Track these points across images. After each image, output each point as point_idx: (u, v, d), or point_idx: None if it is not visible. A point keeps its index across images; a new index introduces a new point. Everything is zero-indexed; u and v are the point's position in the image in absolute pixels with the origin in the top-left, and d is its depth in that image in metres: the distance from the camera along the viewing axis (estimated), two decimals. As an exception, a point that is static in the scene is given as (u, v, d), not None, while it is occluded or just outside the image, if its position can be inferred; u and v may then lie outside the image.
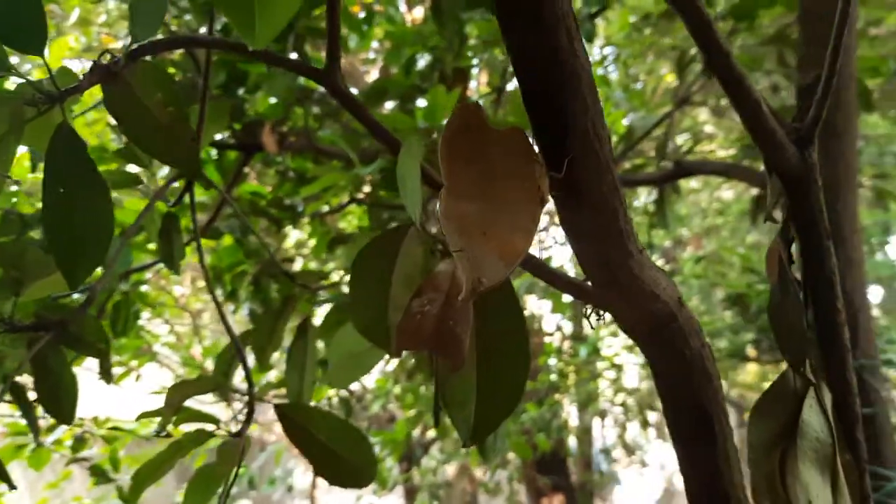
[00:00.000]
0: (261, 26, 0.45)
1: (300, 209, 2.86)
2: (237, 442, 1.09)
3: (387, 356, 1.17)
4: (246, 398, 1.08)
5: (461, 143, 0.49)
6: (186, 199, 1.15)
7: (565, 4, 0.46)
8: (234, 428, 1.07)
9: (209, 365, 5.17)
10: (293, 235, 3.72)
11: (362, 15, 2.78)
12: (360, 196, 2.79)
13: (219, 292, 2.96)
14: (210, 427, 1.08)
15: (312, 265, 3.27)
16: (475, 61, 2.92)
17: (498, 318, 0.66)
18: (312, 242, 3.39)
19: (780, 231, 0.54)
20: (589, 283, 0.66)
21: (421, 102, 2.86)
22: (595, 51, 3.87)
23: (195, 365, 5.05)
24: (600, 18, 2.91)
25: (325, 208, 2.97)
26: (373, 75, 6.42)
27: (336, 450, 1.09)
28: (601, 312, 0.64)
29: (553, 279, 0.65)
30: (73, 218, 0.72)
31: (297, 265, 3.32)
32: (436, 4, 2.34)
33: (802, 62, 1.96)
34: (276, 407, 1.07)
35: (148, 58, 0.72)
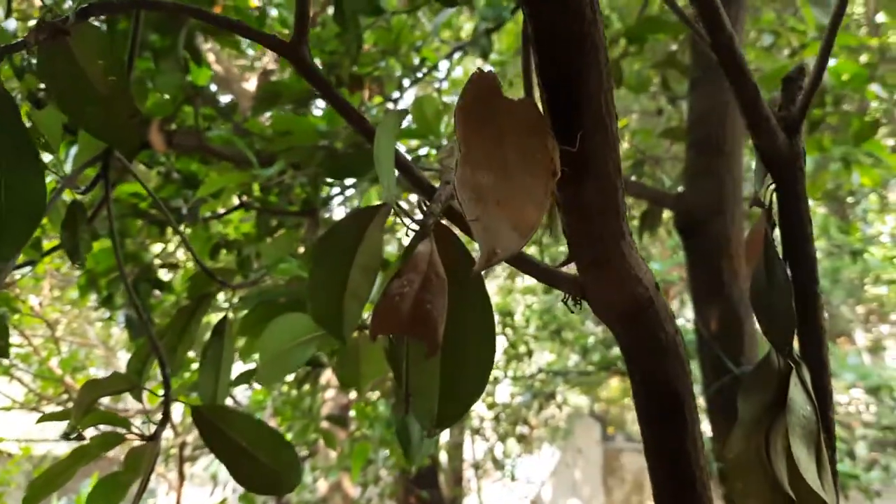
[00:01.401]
0: None
1: (184, 212, 2.74)
2: (149, 447, 1.02)
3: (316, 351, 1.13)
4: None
5: (476, 113, 0.48)
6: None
7: (590, -25, 0.46)
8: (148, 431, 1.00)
9: (69, 380, 4.85)
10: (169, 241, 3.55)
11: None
12: (248, 200, 2.71)
13: (93, 297, 2.79)
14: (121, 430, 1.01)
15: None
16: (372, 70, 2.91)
17: (466, 306, 0.64)
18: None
19: (765, 215, 0.56)
20: (562, 270, 0.66)
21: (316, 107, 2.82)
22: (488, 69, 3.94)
23: (53, 378, 4.72)
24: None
25: (208, 213, 2.86)
26: (251, 82, 6.27)
27: (255, 454, 1.04)
28: (578, 298, 0.64)
29: (527, 266, 0.65)
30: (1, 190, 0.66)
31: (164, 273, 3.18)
32: (338, 7, 2.31)
33: (694, 84, 2.08)
34: (192, 408, 1.01)
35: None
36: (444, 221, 0.61)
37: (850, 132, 2.77)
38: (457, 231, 0.70)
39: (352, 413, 4.84)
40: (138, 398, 1.02)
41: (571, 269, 0.67)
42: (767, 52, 3.71)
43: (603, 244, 0.56)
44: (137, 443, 1.01)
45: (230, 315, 1.16)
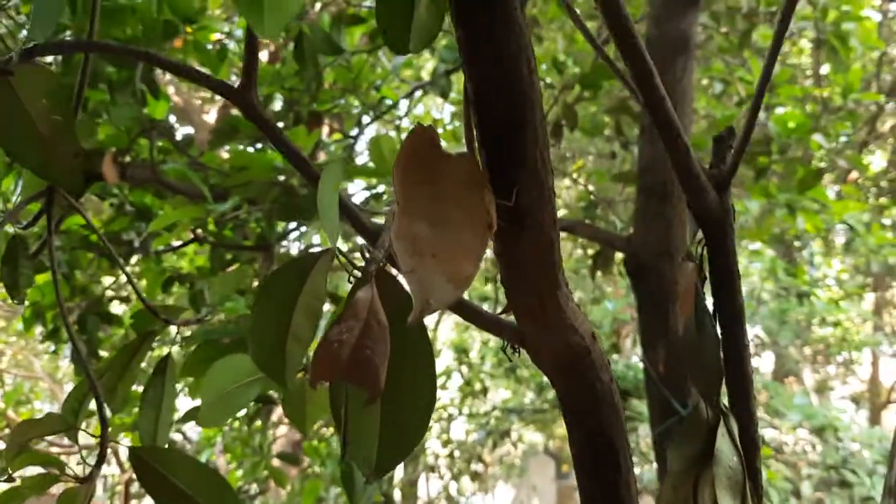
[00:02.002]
0: (269, 16, 0.43)
1: (136, 244, 2.70)
2: (83, 488, 1.00)
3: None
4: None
5: (415, 165, 0.49)
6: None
7: (526, 37, 0.47)
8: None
9: (12, 413, 4.70)
10: (123, 275, 3.49)
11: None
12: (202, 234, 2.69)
13: (38, 330, 2.73)
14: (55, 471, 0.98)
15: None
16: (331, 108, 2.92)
17: (407, 353, 0.65)
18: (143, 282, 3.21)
19: (696, 269, 0.58)
20: (504, 318, 0.67)
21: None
22: (449, 108, 4.00)
23: (-6, 412, 4.57)
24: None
25: (160, 247, 2.83)
26: (211, 114, 6.24)
27: (195, 498, 1.02)
28: (517, 347, 0.65)
29: (471, 314, 0.66)
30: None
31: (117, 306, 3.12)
32: (298, 46, 2.33)
33: (644, 130, 2.13)
34: (131, 450, 0.99)
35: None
36: (387, 268, 0.62)
37: (795, 180, 2.85)
38: (400, 278, 0.71)
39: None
40: (74, 439, 1.00)
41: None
42: (718, 99, 3.83)
43: (538, 295, 0.57)
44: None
45: (174, 353, 1.14)
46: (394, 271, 0.72)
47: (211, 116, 6.04)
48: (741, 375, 0.57)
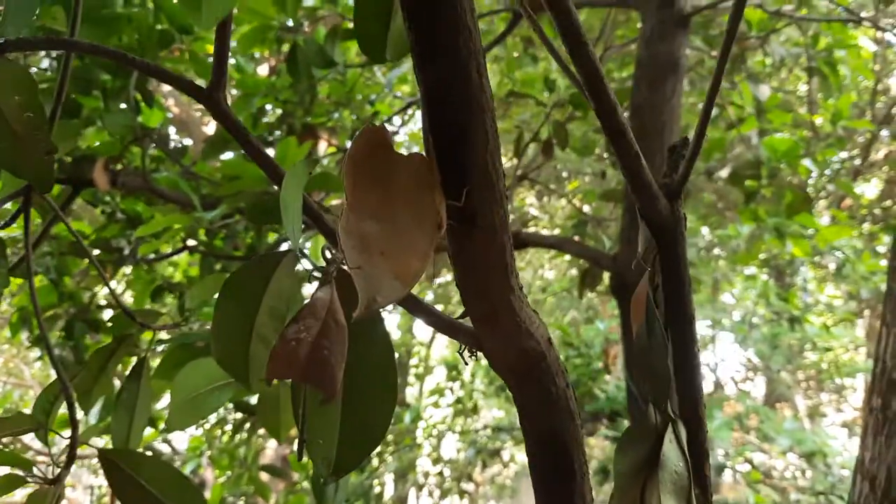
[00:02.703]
0: (207, 7, 0.44)
1: (126, 252, 2.71)
2: (51, 490, 0.99)
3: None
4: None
5: (365, 164, 0.50)
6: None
7: (477, 42, 0.48)
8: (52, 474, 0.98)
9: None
10: (113, 281, 3.50)
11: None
12: (193, 243, 2.70)
13: (24, 336, 2.73)
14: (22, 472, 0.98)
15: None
16: (325, 122, 2.94)
17: (367, 352, 0.65)
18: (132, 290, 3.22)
19: (648, 277, 0.59)
20: (462, 322, 0.68)
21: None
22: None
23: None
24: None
25: (151, 255, 2.84)
26: (210, 126, 6.27)
27: (164, 502, 1.02)
28: (474, 351, 0.66)
29: (428, 316, 0.67)
30: None
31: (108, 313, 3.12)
32: (292, 59, 2.35)
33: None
34: (100, 452, 0.99)
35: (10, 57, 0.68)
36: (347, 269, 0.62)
37: (784, 205, 2.87)
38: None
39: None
40: (43, 439, 1.00)
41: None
42: (711, 123, 3.84)
43: (491, 299, 0.57)
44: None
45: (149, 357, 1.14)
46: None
47: (210, 129, 6.06)
48: (691, 383, 0.58)
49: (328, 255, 0.66)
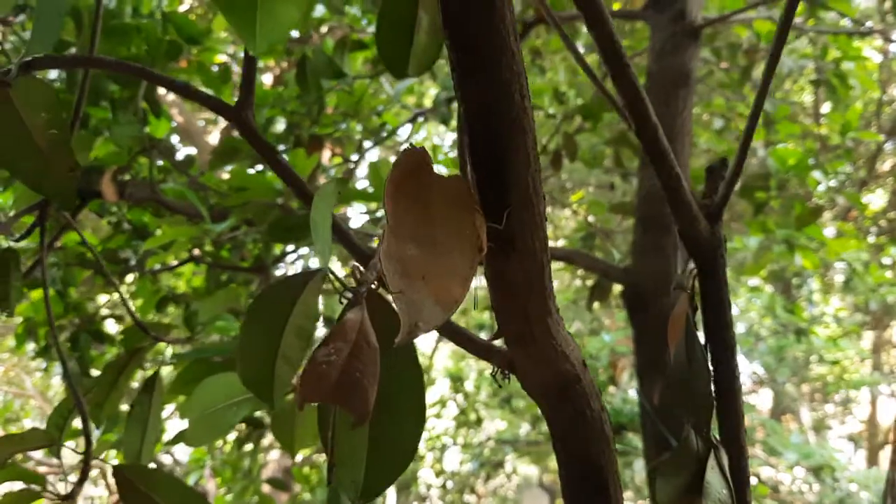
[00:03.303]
0: (261, 32, 0.43)
1: (132, 263, 2.70)
2: (66, 507, 0.98)
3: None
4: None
5: (406, 186, 0.49)
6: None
7: (519, 64, 0.47)
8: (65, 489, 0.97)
9: (0, 431, 4.66)
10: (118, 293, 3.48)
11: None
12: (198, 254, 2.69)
13: (31, 347, 2.71)
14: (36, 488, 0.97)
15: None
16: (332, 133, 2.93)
17: (396, 373, 0.64)
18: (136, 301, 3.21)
19: (687, 299, 0.58)
20: (495, 343, 0.66)
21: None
22: (450, 135, 4.02)
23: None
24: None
25: (157, 266, 2.83)
26: (214, 136, 6.27)
27: (180, 520, 1.01)
28: (507, 373, 0.64)
29: (460, 339, 0.66)
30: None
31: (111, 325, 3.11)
32: (300, 69, 2.35)
33: (644, 162, 2.14)
34: (115, 468, 0.97)
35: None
36: (378, 290, 0.61)
37: (793, 216, 2.85)
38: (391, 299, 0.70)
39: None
40: (56, 455, 0.98)
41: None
42: (719, 134, 3.84)
43: (528, 321, 0.56)
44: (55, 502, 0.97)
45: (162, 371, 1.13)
46: (385, 293, 0.72)
47: (213, 138, 6.07)
48: (732, 408, 0.57)
49: (358, 275, 0.65)
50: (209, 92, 0.69)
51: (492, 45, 0.46)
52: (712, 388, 0.51)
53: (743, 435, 0.57)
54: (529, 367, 0.61)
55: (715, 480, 0.52)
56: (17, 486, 0.97)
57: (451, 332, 0.65)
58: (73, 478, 1.00)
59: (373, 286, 0.61)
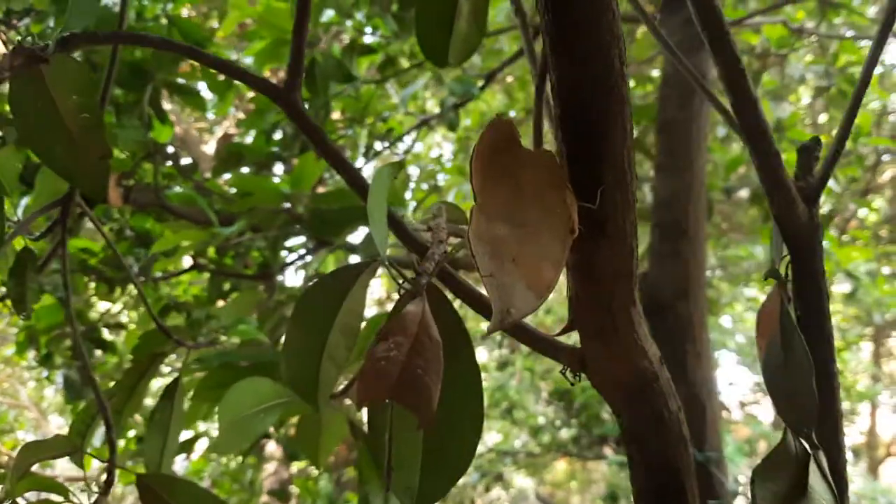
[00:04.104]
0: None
1: (135, 270, 2.65)
2: (86, 517, 0.93)
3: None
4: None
5: (494, 160, 0.45)
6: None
7: (619, 26, 0.44)
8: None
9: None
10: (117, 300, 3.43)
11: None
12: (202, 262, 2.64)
13: (31, 355, 2.66)
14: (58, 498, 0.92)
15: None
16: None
17: (455, 375, 0.60)
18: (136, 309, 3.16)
19: (781, 289, 0.54)
20: (560, 340, 0.62)
21: (277, 169, 2.79)
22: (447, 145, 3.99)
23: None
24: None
25: (159, 273, 2.78)
26: (210, 145, 6.23)
27: (203, 530, 0.96)
28: (577, 372, 0.60)
29: (524, 334, 0.61)
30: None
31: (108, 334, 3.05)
32: (310, 73, 2.31)
33: (660, 168, 2.11)
34: (137, 476, 0.93)
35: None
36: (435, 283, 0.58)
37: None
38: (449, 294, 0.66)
39: (294, 488, 4.65)
40: (79, 463, 0.94)
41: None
42: (722, 143, 3.82)
43: (612, 312, 0.52)
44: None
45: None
46: (443, 286, 0.68)
47: (210, 147, 6.02)
48: (831, 405, 0.53)
49: (417, 266, 0.61)
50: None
51: (593, 4, 0.42)
52: (814, 383, 0.47)
53: (842, 435, 0.53)
54: (606, 363, 0.57)
55: (818, 485, 0.48)
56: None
57: (516, 327, 0.61)
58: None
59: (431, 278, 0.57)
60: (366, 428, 1.23)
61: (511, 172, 0.45)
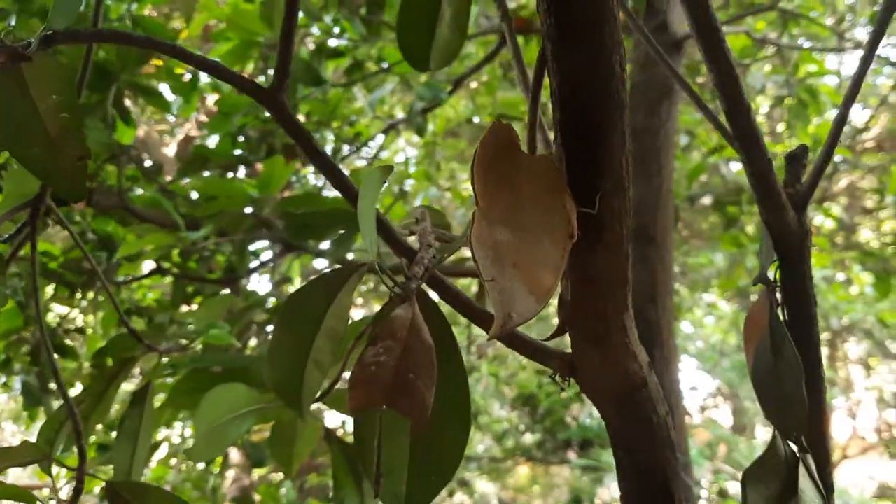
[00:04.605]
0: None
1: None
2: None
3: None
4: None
5: (494, 165, 0.45)
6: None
7: (620, 32, 0.44)
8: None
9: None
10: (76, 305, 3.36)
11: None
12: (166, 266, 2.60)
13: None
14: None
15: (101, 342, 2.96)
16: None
17: (443, 380, 0.60)
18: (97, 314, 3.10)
19: (770, 293, 0.55)
20: (550, 345, 0.62)
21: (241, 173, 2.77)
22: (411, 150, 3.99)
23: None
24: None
25: (120, 277, 2.73)
26: (171, 147, 6.15)
27: (174, 538, 0.94)
28: (566, 377, 0.60)
29: (515, 340, 0.61)
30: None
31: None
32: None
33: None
34: (107, 483, 0.91)
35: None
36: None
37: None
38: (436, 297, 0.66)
39: (257, 495, 4.59)
40: (47, 471, 0.91)
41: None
42: (683, 151, 3.88)
43: (605, 317, 0.52)
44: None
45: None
46: (431, 292, 0.67)
47: (170, 150, 5.93)
48: (818, 409, 0.54)
49: (407, 270, 0.60)
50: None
51: (595, 9, 0.42)
52: (804, 387, 0.48)
53: (829, 442, 0.54)
54: (597, 369, 0.57)
55: (808, 488, 0.49)
56: None
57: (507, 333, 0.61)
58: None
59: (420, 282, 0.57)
60: (340, 433, 1.22)
61: (511, 177, 0.45)
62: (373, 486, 0.62)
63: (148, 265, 2.69)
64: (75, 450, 0.94)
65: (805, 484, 0.49)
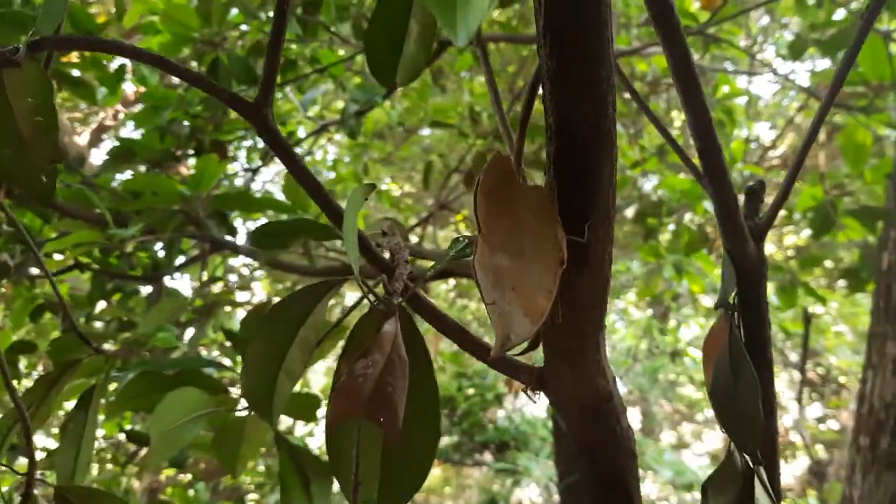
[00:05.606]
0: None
1: (13, 267, 2.50)
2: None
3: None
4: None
5: (495, 194, 0.48)
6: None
7: (614, 76, 0.48)
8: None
9: None
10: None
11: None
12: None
13: None
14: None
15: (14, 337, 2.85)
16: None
17: (415, 391, 0.62)
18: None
19: (728, 317, 0.59)
20: (520, 360, 0.66)
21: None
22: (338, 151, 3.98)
23: None
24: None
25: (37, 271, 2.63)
26: (84, 136, 5.94)
27: (122, 543, 0.94)
28: (536, 391, 0.64)
29: (486, 353, 0.64)
30: None
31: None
32: (212, 73, 2.26)
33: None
34: (56, 488, 0.90)
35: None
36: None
37: (682, 243, 3.01)
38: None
39: (165, 497, 4.48)
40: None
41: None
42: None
43: (582, 336, 0.56)
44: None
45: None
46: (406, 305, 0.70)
47: (83, 139, 5.73)
48: (771, 424, 0.59)
49: (388, 286, 0.63)
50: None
51: (594, 57, 0.46)
52: (761, 403, 0.53)
53: (778, 454, 0.59)
54: (568, 382, 0.60)
55: (762, 498, 0.54)
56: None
57: (478, 348, 0.64)
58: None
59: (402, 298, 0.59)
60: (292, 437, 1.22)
61: (510, 206, 0.48)
62: (348, 497, 0.64)
63: (58, 257, 2.60)
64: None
65: (760, 494, 0.54)
